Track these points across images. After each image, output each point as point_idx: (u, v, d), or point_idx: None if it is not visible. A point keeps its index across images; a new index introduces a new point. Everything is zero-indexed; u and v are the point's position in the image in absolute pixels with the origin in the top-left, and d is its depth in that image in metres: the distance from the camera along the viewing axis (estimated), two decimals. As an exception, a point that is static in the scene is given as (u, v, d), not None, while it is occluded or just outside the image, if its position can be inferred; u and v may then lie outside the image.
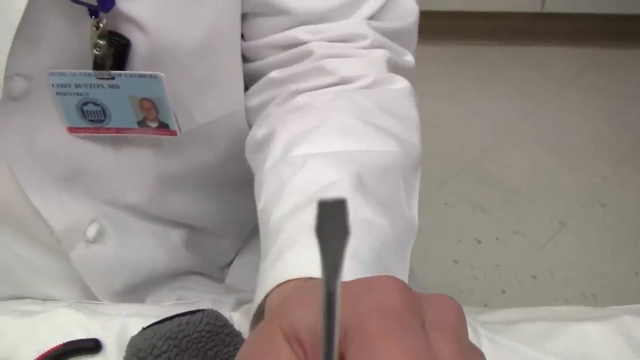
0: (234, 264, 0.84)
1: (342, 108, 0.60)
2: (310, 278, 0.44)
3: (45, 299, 0.71)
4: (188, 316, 0.56)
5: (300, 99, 0.63)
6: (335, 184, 0.52)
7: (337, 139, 0.57)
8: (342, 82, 0.64)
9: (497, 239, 2.02)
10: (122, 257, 0.73)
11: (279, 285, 0.45)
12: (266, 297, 0.47)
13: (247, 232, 0.85)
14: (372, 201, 0.52)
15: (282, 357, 0.34)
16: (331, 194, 0.51)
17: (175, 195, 0.74)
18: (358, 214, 0.50)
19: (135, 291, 0.74)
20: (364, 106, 0.61)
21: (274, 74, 0.66)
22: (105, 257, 0.72)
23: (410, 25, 0.69)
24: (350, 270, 0.44)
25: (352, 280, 0.36)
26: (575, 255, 1.97)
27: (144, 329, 0.56)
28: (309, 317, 0.34)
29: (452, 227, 2.03)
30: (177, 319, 0.56)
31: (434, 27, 2.43)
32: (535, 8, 2.80)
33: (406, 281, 0.49)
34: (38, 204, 0.66)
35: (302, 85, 0.64)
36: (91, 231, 0.70)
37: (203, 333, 0.55)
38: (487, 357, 0.37)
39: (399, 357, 0.30)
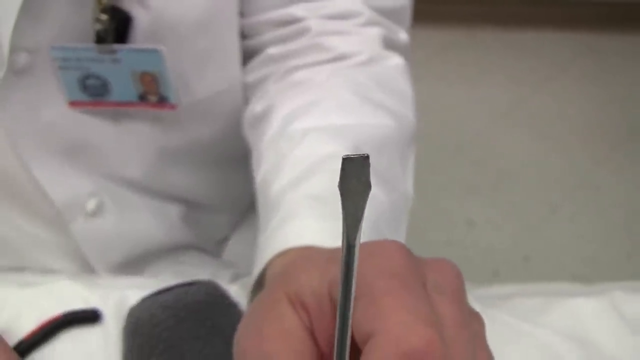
0: (231, 240, 0.86)
1: (339, 84, 0.62)
2: (311, 247, 0.45)
3: (44, 272, 0.72)
4: (186, 287, 0.57)
5: (298, 75, 0.65)
6: (333, 156, 0.53)
7: (335, 113, 0.59)
8: (339, 58, 0.65)
9: (490, 221, 2.04)
10: (121, 230, 0.74)
11: (280, 254, 0.47)
12: (266, 266, 0.48)
13: (244, 208, 0.86)
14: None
15: (286, 321, 0.35)
16: (330, 167, 0.52)
17: (174, 170, 0.75)
18: None
19: (133, 265, 0.75)
20: (360, 82, 0.63)
21: (272, 50, 0.68)
22: (104, 230, 0.73)
23: (404, 3, 0.71)
24: (335, 233, 0.45)
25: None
26: (568, 237, 2.00)
27: (143, 299, 0.57)
28: (312, 281, 0.35)
29: (445, 209, 2.05)
30: (175, 289, 0.57)
31: (429, 11, 2.44)
32: None
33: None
34: (39, 176, 0.67)
35: (300, 61, 0.66)
36: (91, 205, 0.71)
37: (201, 303, 0.56)
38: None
39: (404, 315, 0.31)
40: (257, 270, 0.49)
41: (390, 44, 0.68)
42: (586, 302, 0.62)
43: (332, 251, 0.39)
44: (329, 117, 0.59)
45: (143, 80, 0.64)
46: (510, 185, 2.17)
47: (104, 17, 0.60)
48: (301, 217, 0.49)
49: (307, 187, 0.52)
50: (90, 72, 0.63)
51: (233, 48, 0.68)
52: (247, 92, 0.71)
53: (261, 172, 0.58)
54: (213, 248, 0.83)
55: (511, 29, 2.85)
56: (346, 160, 0.27)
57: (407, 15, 0.72)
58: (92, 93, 0.65)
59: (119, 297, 0.64)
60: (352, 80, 0.63)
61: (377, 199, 0.52)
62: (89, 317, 0.62)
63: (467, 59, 2.69)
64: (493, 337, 0.39)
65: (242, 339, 0.36)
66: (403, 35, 0.70)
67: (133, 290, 0.63)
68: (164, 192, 0.76)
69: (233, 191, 0.82)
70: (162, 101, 0.65)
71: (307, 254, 0.43)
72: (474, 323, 0.38)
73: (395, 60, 0.67)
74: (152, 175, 0.73)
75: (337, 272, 0.31)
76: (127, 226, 0.75)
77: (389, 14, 0.69)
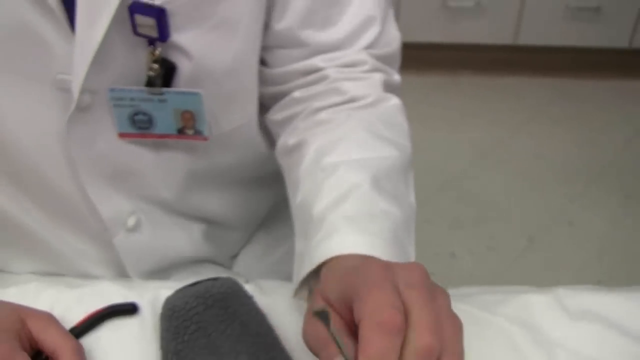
0: (240, 255, 0.98)
1: (355, 124, 0.77)
2: (347, 256, 0.62)
3: (85, 277, 0.84)
4: (212, 281, 0.70)
5: (322, 115, 0.79)
6: (359, 185, 0.69)
7: (355, 149, 0.74)
8: (351, 100, 0.79)
9: (472, 253, 2.13)
10: (154, 244, 0.85)
11: (329, 260, 0.63)
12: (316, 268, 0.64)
13: (253, 227, 0.98)
14: (386, 195, 0.69)
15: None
16: (357, 194, 0.69)
17: (199, 193, 0.87)
18: (378, 207, 0.67)
19: (160, 274, 0.87)
20: (370, 121, 0.77)
21: (297, 94, 0.81)
22: (140, 243, 0.84)
23: (396, 50, 0.85)
24: (378, 247, 0.62)
25: (352, 269, 0.57)
26: (544, 268, 2.08)
27: (177, 290, 0.69)
28: (334, 289, 0.57)
29: (430, 242, 2.14)
30: (204, 282, 0.70)
31: (416, 57, 2.56)
32: (510, 40, 2.89)
33: (413, 248, 0.70)
34: (92, 196, 0.78)
35: (321, 103, 0.79)
36: (131, 221, 0.82)
37: (224, 294, 0.69)
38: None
39: (377, 305, 0.50)
40: (306, 270, 0.65)
41: (388, 86, 0.82)
42: (536, 296, 0.76)
43: (358, 265, 0.58)
44: (351, 153, 0.73)
45: (183, 117, 0.76)
46: (491, 220, 2.26)
47: (156, 66, 0.72)
48: (341, 233, 0.64)
49: (343, 210, 0.67)
50: (139, 109, 0.75)
51: (253, 90, 0.81)
52: (277, 127, 0.84)
53: (299, 194, 0.73)
54: (226, 261, 0.95)
55: (491, 74, 2.94)
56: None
57: (398, 58, 0.86)
58: (140, 127, 0.76)
59: (152, 294, 0.76)
60: (364, 119, 0.77)
61: (393, 214, 0.68)
62: (128, 309, 0.74)
63: (450, 102, 2.79)
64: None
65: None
66: (397, 77, 0.85)
67: (164, 290, 0.75)
68: (189, 212, 0.88)
69: (246, 211, 0.95)
70: (197, 134, 0.77)
71: (339, 266, 0.61)
72: (438, 299, 0.53)
73: (394, 101, 0.81)
74: (181, 197, 0.85)
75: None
76: (158, 241, 0.86)
77: (385, 59, 0.83)
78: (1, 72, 0.71)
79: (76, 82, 0.70)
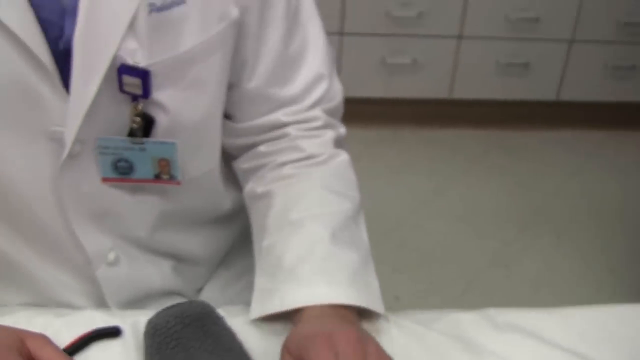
0: (204, 288, 1.07)
1: (313, 182, 0.90)
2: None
3: (68, 307, 0.91)
4: (188, 303, 0.80)
5: (286, 170, 0.91)
6: (322, 240, 0.83)
7: (316, 206, 0.87)
8: (309, 157, 0.92)
9: (414, 295, 2.20)
10: (130, 277, 0.94)
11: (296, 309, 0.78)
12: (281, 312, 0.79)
13: (216, 263, 1.08)
14: (343, 245, 0.84)
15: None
16: (321, 249, 0.83)
17: (169, 232, 0.96)
18: (338, 257, 0.83)
19: (135, 304, 0.96)
20: (325, 178, 0.91)
21: (262, 148, 0.94)
22: (119, 276, 0.93)
23: (340, 102, 0.98)
24: (342, 293, 0.79)
25: (308, 335, 0.72)
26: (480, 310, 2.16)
27: (158, 312, 0.79)
28: (291, 339, 0.74)
29: (374, 285, 2.20)
30: (180, 304, 0.80)
31: (357, 112, 2.63)
32: (445, 95, 2.99)
33: (374, 276, 0.87)
34: (78, 233, 0.86)
35: (284, 158, 0.92)
36: (111, 256, 0.91)
37: (199, 314, 0.78)
38: (388, 334, 0.71)
39: None
40: (276, 308, 0.80)
41: (338, 142, 0.95)
42: (467, 315, 0.87)
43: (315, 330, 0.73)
44: (312, 209, 0.87)
45: (160, 164, 0.85)
46: (431, 264, 2.34)
47: (138, 119, 0.81)
48: (312, 285, 0.79)
49: (310, 265, 0.81)
50: (122, 156, 0.84)
51: (217, 140, 0.92)
52: (244, 175, 0.96)
53: (266, 239, 0.87)
54: (193, 294, 1.05)
55: (430, 127, 3.03)
56: None
57: (342, 109, 0.98)
58: (121, 172, 0.85)
59: (132, 320, 0.84)
60: (320, 177, 0.91)
61: (351, 260, 0.83)
62: (112, 332, 0.82)
63: (391, 154, 2.87)
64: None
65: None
66: (342, 129, 0.98)
67: (141, 317, 0.83)
68: (161, 249, 0.97)
69: (209, 248, 1.05)
70: (171, 179, 0.87)
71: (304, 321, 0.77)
72: (369, 347, 0.71)
73: (343, 156, 0.94)
74: (153, 235, 0.94)
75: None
76: (134, 274, 0.94)
77: (332, 112, 0.95)
78: (1, 121, 0.79)
79: (69, 134, 0.78)
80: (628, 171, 2.91)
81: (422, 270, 2.33)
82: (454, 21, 2.85)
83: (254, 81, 0.90)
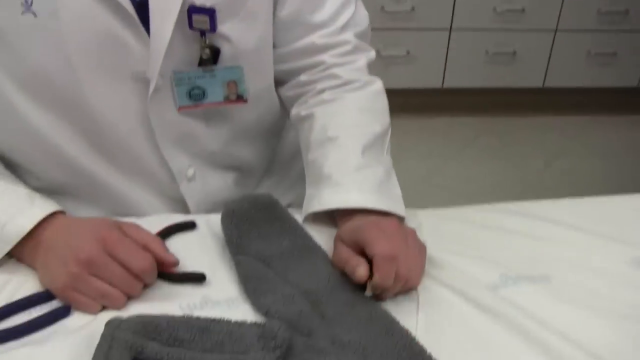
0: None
1: (350, 104, 1.04)
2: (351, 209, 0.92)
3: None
4: (258, 193, 0.94)
5: (325, 95, 1.04)
6: (354, 152, 0.97)
7: (351, 125, 1.01)
8: (346, 83, 1.05)
9: None
10: (204, 189, 1.06)
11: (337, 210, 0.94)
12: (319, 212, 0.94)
13: (262, 173, 1.21)
14: (371, 159, 0.97)
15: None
16: (352, 162, 0.96)
17: (235, 146, 1.08)
18: (365, 169, 0.95)
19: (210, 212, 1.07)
20: (361, 100, 1.04)
21: (302, 78, 1.07)
22: (196, 189, 1.05)
23: (367, 26, 1.10)
24: (369, 199, 0.92)
25: (357, 225, 0.87)
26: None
27: (233, 200, 0.91)
28: (342, 231, 0.90)
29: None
30: (251, 194, 0.94)
31: None
32: (437, 84, 3.08)
33: (397, 186, 0.99)
34: (165, 154, 0.99)
35: (323, 85, 1.05)
36: (190, 172, 1.04)
37: (269, 202, 0.92)
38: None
39: (381, 247, 0.83)
40: (315, 209, 0.95)
41: (370, 65, 1.08)
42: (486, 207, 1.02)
43: (362, 223, 0.88)
44: (347, 128, 1.00)
45: (228, 87, 0.98)
46: None
47: (207, 51, 0.93)
48: (345, 189, 0.94)
49: (345, 174, 0.95)
50: (195, 85, 0.95)
51: (270, 61, 1.04)
52: (289, 101, 1.09)
53: (311, 155, 1.01)
54: None
55: (423, 115, 3.12)
56: None
57: (369, 34, 1.11)
58: (195, 99, 0.96)
59: (204, 218, 0.98)
60: (356, 101, 1.04)
61: (377, 172, 0.96)
62: (189, 225, 0.96)
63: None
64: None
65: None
66: (372, 53, 1.11)
67: (212, 215, 0.97)
68: (226, 163, 1.09)
69: (263, 158, 1.17)
70: (239, 98, 1.00)
71: (348, 219, 0.92)
72: (409, 237, 0.88)
73: (377, 84, 1.07)
74: (222, 152, 1.06)
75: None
76: (206, 187, 1.06)
77: (360, 36, 1.08)
78: (94, 70, 0.89)
79: (153, 71, 0.91)
80: (609, 152, 3.02)
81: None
82: (445, 14, 2.94)
83: (287, 9, 1.02)
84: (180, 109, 0.98)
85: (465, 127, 3.11)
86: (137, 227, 0.87)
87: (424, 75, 3.08)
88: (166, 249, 0.87)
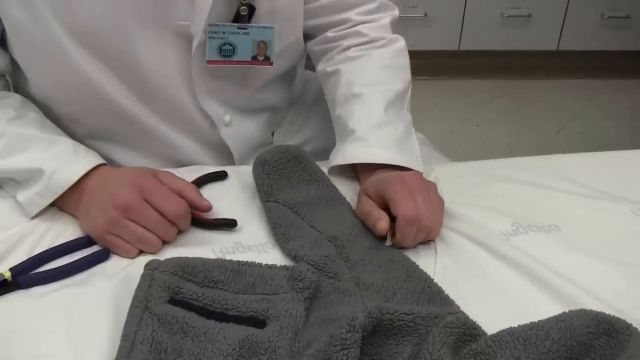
0: (275, 134, 1.26)
1: (374, 61, 1.08)
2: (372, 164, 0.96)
3: (190, 163, 1.08)
4: (288, 145, 0.97)
5: (350, 52, 1.09)
6: (377, 108, 1.01)
7: (375, 82, 1.05)
8: (371, 41, 1.10)
9: None
10: (239, 132, 1.11)
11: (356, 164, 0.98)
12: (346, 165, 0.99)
13: (285, 111, 1.27)
14: (392, 117, 1.01)
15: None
16: (375, 118, 1.00)
17: (265, 91, 1.12)
18: (387, 126, 0.99)
19: (246, 159, 1.13)
20: (385, 58, 1.09)
21: (329, 34, 1.11)
22: (232, 133, 1.10)
23: None
24: (388, 155, 0.96)
25: (381, 178, 0.91)
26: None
27: (265, 150, 0.95)
28: (367, 185, 0.94)
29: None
30: (281, 145, 0.97)
31: None
32: (454, 47, 3.08)
33: (416, 143, 1.01)
34: (203, 104, 1.03)
35: (349, 42, 1.09)
36: (227, 118, 1.08)
37: (297, 153, 0.95)
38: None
39: (405, 206, 0.87)
40: (339, 162, 0.99)
41: (393, 23, 1.12)
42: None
43: (385, 176, 0.92)
44: (371, 84, 1.04)
45: (258, 46, 1.00)
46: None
47: (244, 7, 0.95)
48: (368, 144, 0.97)
49: (368, 130, 0.99)
50: (227, 41, 0.97)
51: (300, 16, 1.07)
52: (316, 55, 1.13)
53: (337, 110, 1.05)
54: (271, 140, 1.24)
55: (439, 77, 3.13)
56: None
57: None
58: (224, 55, 0.99)
59: (234, 168, 1.03)
60: (380, 58, 1.08)
61: (398, 128, 1.00)
62: (221, 175, 1.01)
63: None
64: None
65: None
66: (396, 11, 1.15)
67: (242, 167, 1.03)
68: (257, 107, 1.14)
69: (287, 97, 1.23)
70: (265, 60, 1.02)
71: (371, 172, 0.96)
72: (430, 191, 0.92)
73: (400, 43, 1.12)
74: (252, 98, 1.10)
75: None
76: (241, 130, 1.11)
77: None
78: (138, 23, 0.92)
79: (198, 25, 0.94)
80: (622, 115, 3.02)
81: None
82: (461, -24, 2.90)
83: None
84: (209, 62, 1.00)
85: (480, 90, 3.13)
86: (172, 175, 0.90)
87: (440, 38, 3.09)
88: (200, 195, 0.90)
